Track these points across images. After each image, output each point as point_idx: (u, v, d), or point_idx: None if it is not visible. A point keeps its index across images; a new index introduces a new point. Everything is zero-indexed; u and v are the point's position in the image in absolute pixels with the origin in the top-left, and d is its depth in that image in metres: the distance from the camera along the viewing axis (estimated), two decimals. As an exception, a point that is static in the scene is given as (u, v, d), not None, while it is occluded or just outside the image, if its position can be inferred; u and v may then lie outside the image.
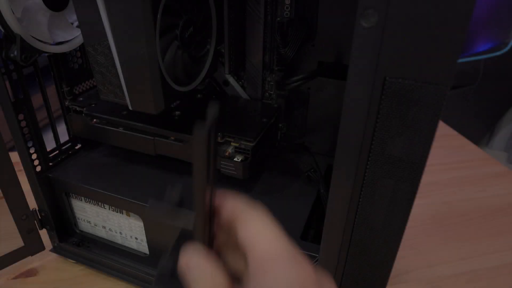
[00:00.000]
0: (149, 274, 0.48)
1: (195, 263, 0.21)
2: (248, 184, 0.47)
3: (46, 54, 0.45)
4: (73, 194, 0.50)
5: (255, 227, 0.21)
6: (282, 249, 0.20)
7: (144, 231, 0.47)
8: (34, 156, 0.46)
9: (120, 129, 0.47)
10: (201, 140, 0.21)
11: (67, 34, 0.44)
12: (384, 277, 0.34)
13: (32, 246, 0.51)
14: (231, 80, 0.50)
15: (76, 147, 0.54)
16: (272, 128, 0.47)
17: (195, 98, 0.51)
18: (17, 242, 0.49)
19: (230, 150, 0.42)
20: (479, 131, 1.86)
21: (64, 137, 0.52)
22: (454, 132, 0.90)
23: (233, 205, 0.22)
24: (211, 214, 0.22)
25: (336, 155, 0.28)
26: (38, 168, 0.47)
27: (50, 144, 0.49)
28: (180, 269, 0.22)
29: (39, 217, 0.51)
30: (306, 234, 0.43)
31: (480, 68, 1.61)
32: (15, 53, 0.39)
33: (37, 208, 0.50)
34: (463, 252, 0.57)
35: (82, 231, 0.53)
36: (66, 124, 0.51)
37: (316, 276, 0.20)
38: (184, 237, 0.22)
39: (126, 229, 0.49)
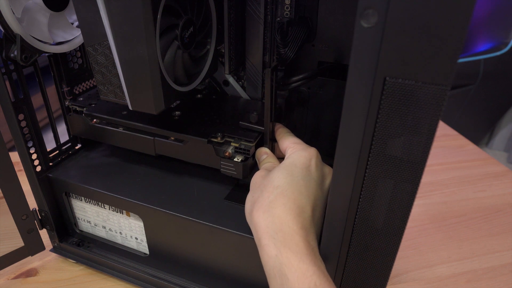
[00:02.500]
0: (149, 274, 0.49)
1: (263, 149, 0.41)
2: (248, 183, 0.47)
3: (46, 54, 0.45)
4: (73, 194, 0.50)
5: (289, 139, 0.40)
6: (301, 147, 0.38)
7: (144, 231, 0.47)
8: (34, 156, 0.46)
9: (120, 129, 0.47)
10: (268, 75, 0.36)
11: (67, 34, 0.44)
12: (384, 277, 0.34)
13: (32, 246, 0.51)
14: (231, 80, 0.50)
15: (76, 147, 0.54)
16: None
17: (195, 98, 0.51)
18: (17, 242, 0.49)
19: (230, 150, 0.42)
20: (479, 131, 1.86)
21: (64, 137, 0.52)
22: (454, 132, 0.90)
23: (281, 130, 0.41)
24: (272, 132, 0.41)
25: (336, 155, 0.28)
26: (38, 168, 0.47)
27: (50, 144, 0.49)
28: (256, 155, 0.42)
29: (39, 217, 0.51)
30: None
31: (480, 68, 1.61)
32: (15, 53, 0.39)
33: (37, 208, 0.50)
34: (463, 252, 0.57)
35: (82, 231, 0.53)
36: (66, 124, 0.51)
37: (317, 156, 0.37)
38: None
39: (126, 229, 0.49)
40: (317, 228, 0.34)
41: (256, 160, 0.42)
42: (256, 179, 0.37)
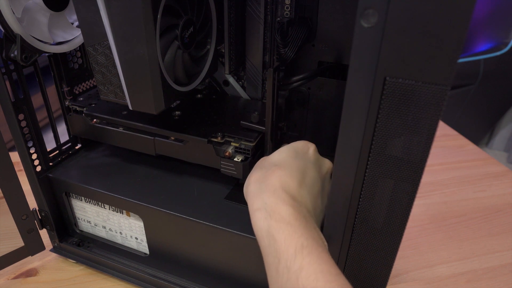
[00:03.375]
0: (149, 274, 0.49)
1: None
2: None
3: (46, 54, 0.45)
4: (73, 194, 0.50)
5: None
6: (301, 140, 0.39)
7: (144, 231, 0.47)
8: (34, 156, 0.46)
9: (120, 129, 0.47)
10: (271, 75, 0.37)
11: (67, 34, 0.44)
12: (384, 277, 0.34)
13: (32, 246, 0.51)
14: (231, 80, 0.50)
15: (76, 147, 0.54)
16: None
17: (195, 98, 0.51)
18: (17, 242, 0.49)
19: (230, 150, 0.42)
20: (479, 131, 1.86)
21: (64, 137, 0.52)
22: (454, 132, 0.90)
23: None
24: (274, 129, 0.41)
25: (336, 155, 0.28)
26: (38, 168, 0.47)
27: (50, 144, 0.49)
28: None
29: (39, 217, 0.51)
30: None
31: (480, 68, 1.61)
32: (15, 53, 0.39)
33: (37, 208, 0.50)
34: (463, 252, 0.57)
35: (82, 231, 0.53)
36: (66, 124, 0.51)
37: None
38: None
39: (126, 229, 0.49)
40: (314, 209, 0.35)
41: None
42: (258, 162, 0.39)
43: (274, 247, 0.29)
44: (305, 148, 0.38)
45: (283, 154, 0.37)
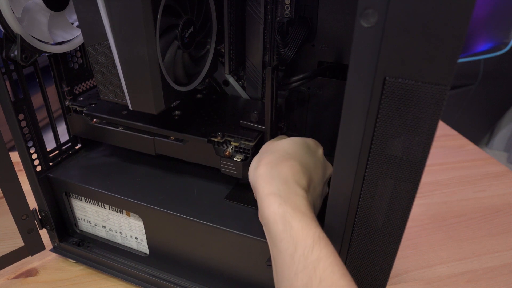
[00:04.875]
0: (149, 274, 0.49)
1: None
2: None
3: (46, 54, 0.45)
4: (73, 194, 0.50)
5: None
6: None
7: (144, 231, 0.47)
8: (34, 156, 0.46)
9: (120, 129, 0.47)
10: (269, 74, 0.37)
11: (67, 34, 0.44)
12: (384, 277, 0.34)
13: (32, 246, 0.51)
14: (231, 80, 0.50)
15: (76, 147, 0.54)
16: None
17: (195, 98, 0.51)
18: (17, 242, 0.49)
19: (230, 149, 0.42)
20: (479, 131, 1.86)
21: (64, 137, 0.52)
22: (454, 132, 0.90)
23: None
24: (273, 129, 0.41)
25: (336, 155, 0.28)
26: (38, 168, 0.47)
27: (50, 144, 0.50)
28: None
29: (39, 217, 0.51)
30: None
31: (480, 68, 1.61)
32: (15, 53, 0.39)
33: (37, 208, 0.50)
34: (463, 252, 0.57)
35: (82, 231, 0.53)
36: (66, 124, 0.51)
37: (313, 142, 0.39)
38: None
39: (126, 229, 0.49)
40: (314, 206, 0.35)
41: None
42: (267, 145, 0.39)
43: (290, 233, 0.29)
44: (314, 147, 0.38)
45: (296, 145, 0.37)
